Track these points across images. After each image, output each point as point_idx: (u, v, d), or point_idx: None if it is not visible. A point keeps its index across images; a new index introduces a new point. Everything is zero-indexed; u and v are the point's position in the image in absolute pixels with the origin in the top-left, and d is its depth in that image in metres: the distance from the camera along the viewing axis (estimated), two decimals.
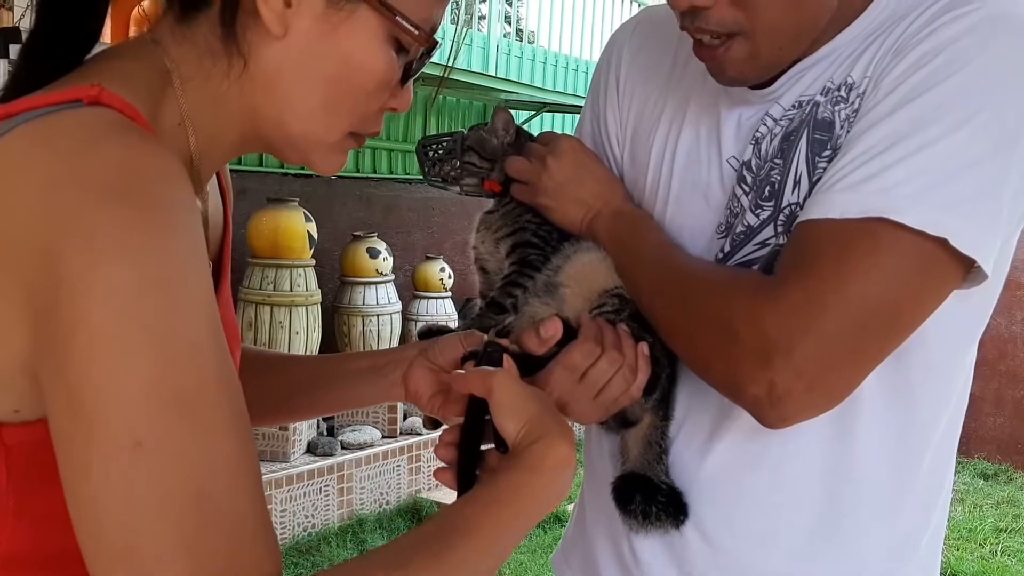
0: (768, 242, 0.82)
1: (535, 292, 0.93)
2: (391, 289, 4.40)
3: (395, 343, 4.37)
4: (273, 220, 3.87)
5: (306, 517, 3.79)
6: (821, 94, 0.81)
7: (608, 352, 0.83)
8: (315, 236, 4.01)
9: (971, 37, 0.74)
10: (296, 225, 3.91)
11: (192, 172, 0.67)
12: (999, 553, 4.18)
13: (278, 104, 0.67)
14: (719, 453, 0.86)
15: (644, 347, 0.85)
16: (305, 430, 3.90)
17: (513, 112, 6.03)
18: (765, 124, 0.84)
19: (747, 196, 0.84)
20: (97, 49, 0.68)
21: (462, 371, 0.79)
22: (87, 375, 0.50)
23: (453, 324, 4.02)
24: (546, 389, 0.82)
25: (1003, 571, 3.97)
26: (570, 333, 0.85)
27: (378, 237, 4.41)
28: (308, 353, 3.96)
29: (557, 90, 6.55)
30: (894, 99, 0.75)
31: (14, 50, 2.08)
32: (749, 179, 0.84)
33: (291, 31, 0.64)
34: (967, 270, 0.74)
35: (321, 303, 4.03)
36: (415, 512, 4.13)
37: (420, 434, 4.28)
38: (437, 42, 0.70)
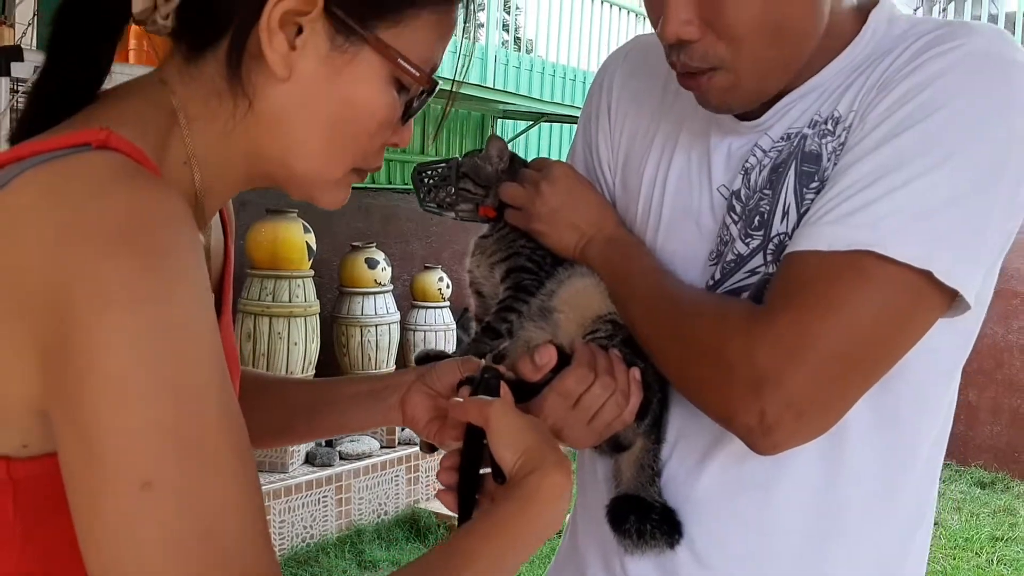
0: (758, 270, 0.84)
1: (530, 316, 0.94)
2: (389, 299, 4.42)
3: (393, 353, 4.39)
4: (272, 231, 3.89)
5: (304, 528, 3.79)
6: (809, 127, 0.83)
7: (601, 378, 0.85)
8: (314, 247, 4.03)
9: (954, 74, 0.76)
10: (295, 236, 3.93)
11: (197, 208, 0.68)
12: (995, 562, 4.20)
13: (282, 143, 0.69)
14: (710, 475, 0.87)
15: (636, 372, 0.86)
16: None
17: (511, 122, 6.08)
18: (754, 155, 0.86)
19: (736, 225, 0.85)
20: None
21: (459, 399, 0.81)
22: (97, 419, 0.52)
23: (451, 333, 4.03)
24: (541, 415, 0.84)
25: None
26: (564, 359, 0.86)
27: (376, 247, 4.43)
28: (307, 364, 3.98)
29: (555, 101, 6.57)
30: (879, 134, 0.76)
31: (16, 68, 2.10)
32: (739, 208, 0.86)
33: (295, 73, 0.66)
34: (950, 301, 0.75)
35: (320, 313, 4.05)
36: (413, 522, 4.14)
37: (418, 444, 4.29)
38: (437, 82, 0.71)
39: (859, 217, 0.74)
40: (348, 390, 0.95)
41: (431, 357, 0.93)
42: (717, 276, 0.87)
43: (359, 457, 4.07)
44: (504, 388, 0.79)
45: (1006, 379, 5.45)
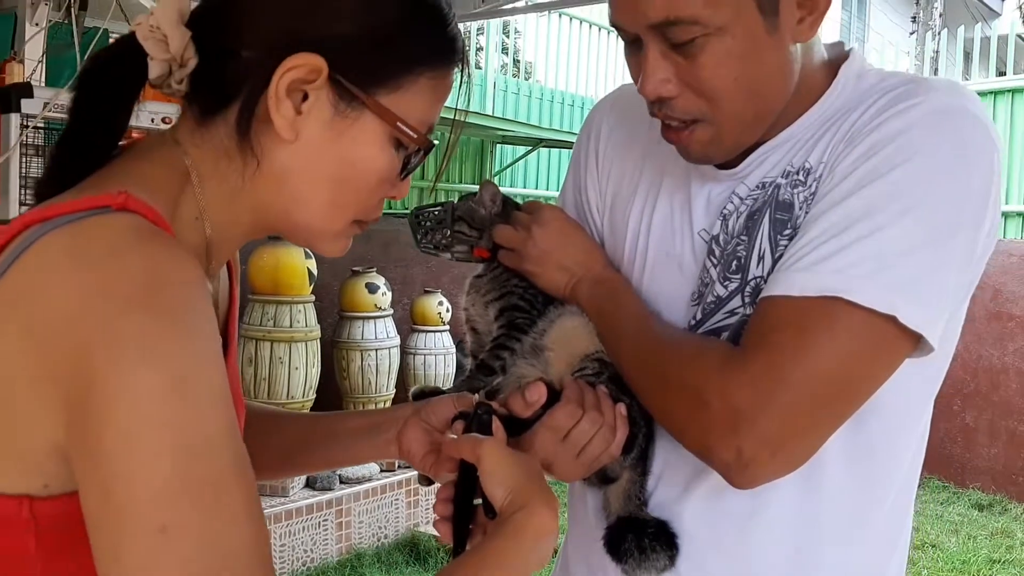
0: (736, 311, 0.89)
1: (522, 354, 0.99)
2: (389, 324, 4.45)
3: (393, 377, 4.42)
4: (273, 257, 3.94)
5: (305, 552, 3.81)
6: (782, 177, 0.88)
7: (589, 413, 0.89)
8: (314, 272, 4.07)
9: (915, 130, 0.81)
10: (296, 262, 3.97)
11: (206, 259, 0.73)
12: None
13: (288, 200, 0.73)
14: (694, 506, 0.91)
15: (622, 408, 0.91)
16: None
17: (509, 148, 6.15)
18: (732, 202, 0.91)
19: (716, 268, 0.90)
20: None
21: (454, 436, 0.85)
22: (116, 468, 0.56)
23: (451, 357, 4.06)
24: (532, 449, 0.88)
25: None
26: (553, 395, 0.91)
27: (377, 272, 4.47)
28: (308, 388, 4.02)
29: (553, 127, 6.64)
30: (847, 186, 0.82)
31: (26, 104, 2.16)
32: (717, 252, 0.91)
33: (301, 136, 0.71)
34: (915, 343, 0.80)
35: (320, 338, 4.09)
36: (413, 546, 4.15)
37: (416, 475, 4.31)
38: (434, 143, 0.76)
39: (828, 265, 0.79)
40: (347, 424, 1.00)
41: (427, 393, 0.98)
42: (698, 316, 0.91)
43: (359, 481, 4.09)
44: (497, 425, 0.84)
45: (1003, 401, 5.48)
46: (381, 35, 0.71)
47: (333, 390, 4.35)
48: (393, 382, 4.43)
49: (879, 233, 0.78)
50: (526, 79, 7.51)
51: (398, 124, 0.72)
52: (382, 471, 4.25)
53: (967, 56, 7.69)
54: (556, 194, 1.16)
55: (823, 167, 0.85)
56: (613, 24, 0.86)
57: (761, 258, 0.87)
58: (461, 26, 0.78)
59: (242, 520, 0.59)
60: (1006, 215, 6.61)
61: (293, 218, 0.75)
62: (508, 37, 8.16)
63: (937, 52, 8.27)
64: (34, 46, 2.59)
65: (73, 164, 0.71)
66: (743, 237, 0.89)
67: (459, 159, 6.15)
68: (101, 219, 0.63)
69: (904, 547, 0.98)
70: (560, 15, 7.30)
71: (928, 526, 4.90)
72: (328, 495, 3.92)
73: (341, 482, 4.04)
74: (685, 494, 0.92)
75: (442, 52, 0.75)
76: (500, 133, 5.89)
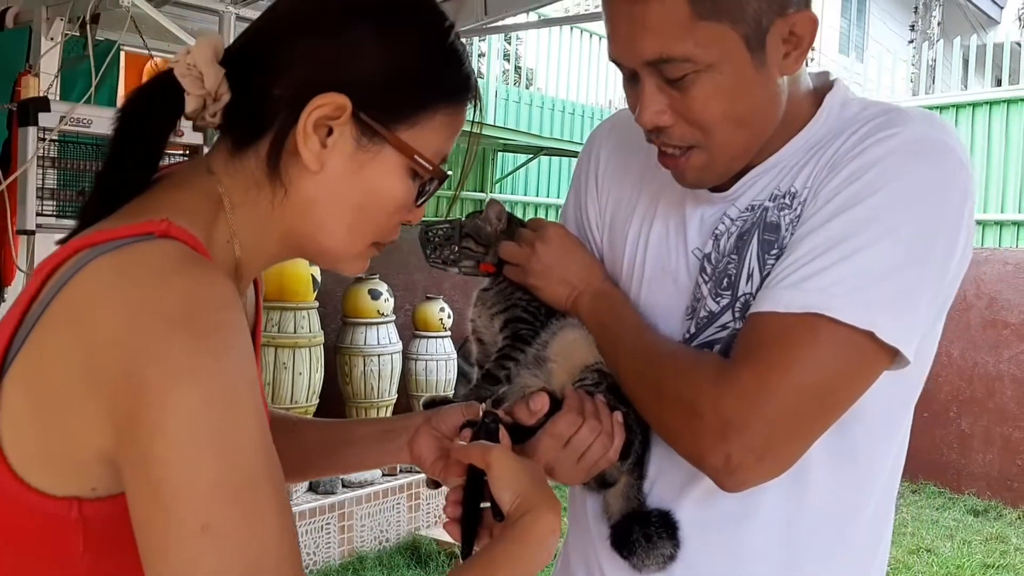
0: (727, 325, 0.95)
1: (526, 364, 1.04)
2: (392, 329, 4.51)
3: (396, 382, 4.47)
4: (279, 264, 3.98)
5: (308, 555, 3.86)
6: (770, 200, 0.94)
7: (589, 421, 0.95)
8: (318, 279, 4.13)
9: (893, 158, 0.87)
10: (300, 269, 4.03)
11: (236, 278, 0.79)
12: None
13: (313, 225, 0.79)
14: (687, 509, 0.97)
15: (619, 416, 0.97)
16: None
17: (511, 156, 6.18)
18: (723, 223, 0.97)
19: (708, 285, 0.96)
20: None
21: (463, 443, 0.91)
22: (164, 474, 0.62)
23: (452, 362, 4.10)
24: (535, 455, 0.94)
25: None
26: (555, 404, 0.97)
27: (379, 278, 4.53)
28: (311, 393, 4.07)
29: (553, 136, 6.70)
30: (829, 209, 0.88)
31: (43, 118, 2.22)
32: (709, 270, 0.97)
33: (326, 167, 0.77)
34: (893, 357, 0.86)
35: (323, 344, 4.14)
36: (414, 549, 4.20)
37: (424, 479, 4.36)
38: (447, 175, 0.83)
39: (811, 283, 0.85)
40: (362, 431, 1.06)
41: (437, 402, 1.04)
42: (692, 330, 0.97)
43: (361, 485, 4.15)
44: (503, 432, 0.90)
45: (998, 408, 5.54)
46: (401, 76, 0.77)
47: (336, 395, 4.40)
48: (395, 387, 4.48)
49: (859, 254, 0.84)
50: (527, 87, 7.57)
51: (415, 157, 0.79)
52: (384, 475, 4.30)
53: (967, 64, 7.76)
54: (556, 201, 1.23)
55: (808, 191, 0.92)
56: (612, 60, 0.92)
57: (750, 276, 0.93)
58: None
59: (275, 519, 0.64)
60: (1001, 224, 6.67)
61: (317, 242, 0.81)
62: (510, 44, 8.23)
63: (935, 61, 8.34)
64: (49, 60, 2.65)
65: (115, 190, 0.77)
66: (733, 256, 0.95)
67: (460, 167, 6.22)
68: (146, 245, 0.69)
69: (885, 548, 1.04)
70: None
71: (923, 531, 4.95)
72: (330, 499, 3.98)
73: (343, 486, 4.09)
74: (679, 498, 0.98)
75: (456, 91, 0.81)
76: (501, 141, 5.95)
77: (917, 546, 4.73)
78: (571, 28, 7.36)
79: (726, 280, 0.95)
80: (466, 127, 0.86)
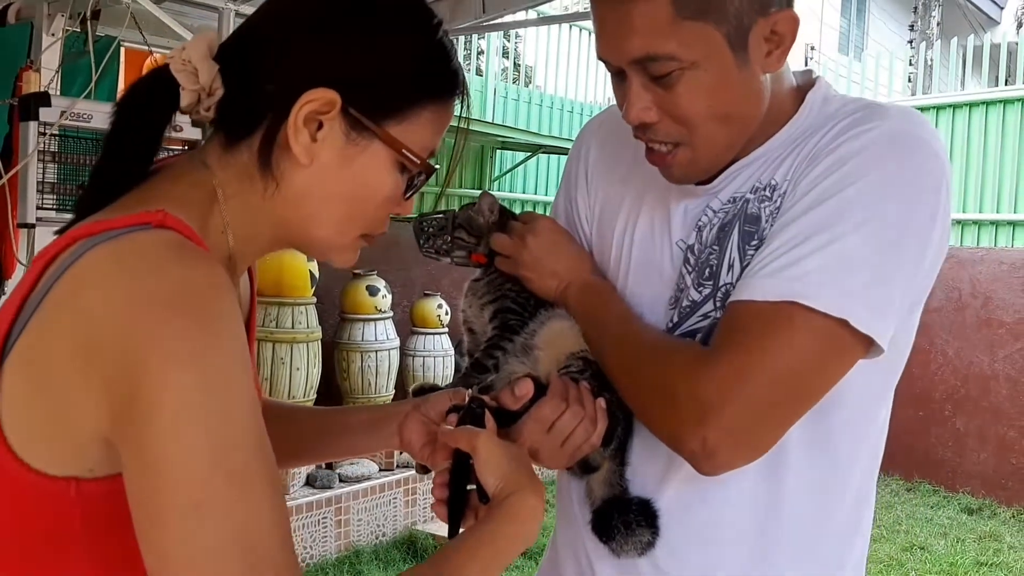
0: (709, 315, 0.97)
1: (514, 353, 1.07)
2: (389, 325, 4.53)
3: (393, 378, 4.50)
4: (277, 259, 4.01)
5: (304, 549, 3.89)
6: (751, 192, 0.97)
7: (572, 407, 0.98)
8: (316, 275, 4.15)
9: (870, 151, 0.90)
10: (298, 264, 4.05)
11: (230, 267, 0.82)
12: None
13: (304, 217, 0.82)
14: (668, 494, 1.00)
15: (602, 402, 0.99)
16: None
17: (509, 153, 6.21)
18: (706, 214, 1.00)
19: (690, 275, 0.99)
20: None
21: (450, 427, 0.94)
22: (160, 454, 0.64)
23: (449, 359, 4.14)
24: (520, 439, 0.97)
25: None
26: (541, 390, 1.00)
27: (377, 275, 4.55)
28: (309, 388, 4.10)
29: (552, 134, 6.73)
30: (807, 201, 0.90)
31: (44, 113, 2.24)
32: (692, 261, 0.99)
33: (316, 160, 0.79)
34: (868, 345, 0.89)
35: (321, 339, 4.17)
36: (411, 544, 4.23)
37: (414, 466, 4.38)
38: (435, 168, 0.85)
39: (788, 272, 0.88)
40: (352, 419, 1.09)
41: (426, 389, 1.07)
42: (675, 319, 1.00)
43: (358, 480, 4.17)
44: (488, 417, 0.92)
45: (992, 407, 5.57)
46: (389, 73, 0.80)
47: (333, 390, 4.42)
48: (392, 383, 4.50)
49: (834, 244, 0.87)
50: (526, 85, 7.59)
51: (403, 151, 0.81)
52: (381, 470, 4.32)
53: (966, 64, 7.78)
54: (554, 199, 1.26)
55: (787, 183, 0.94)
56: (600, 58, 0.95)
57: (731, 266, 0.96)
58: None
59: (268, 499, 0.67)
60: (997, 224, 6.69)
61: (308, 233, 0.83)
62: (509, 41, 8.25)
63: (933, 60, 8.36)
64: (50, 56, 2.67)
65: (112, 182, 0.79)
66: (715, 247, 0.98)
67: (459, 164, 6.24)
68: (143, 234, 0.71)
69: (865, 534, 1.06)
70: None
71: (917, 529, 4.98)
72: (327, 493, 4.00)
73: (340, 480, 4.12)
74: (660, 484, 1.01)
75: (444, 87, 0.84)
76: (500, 139, 5.97)
77: (911, 543, 4.75)
78: (570, 26, 7.38)
79: (708, 270, 0.98)
80: (457, 122, 0.88)
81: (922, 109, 6.92)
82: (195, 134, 2.36)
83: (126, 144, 0.80)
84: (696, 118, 0.91)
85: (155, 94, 0.80)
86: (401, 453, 4.43)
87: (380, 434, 1.05)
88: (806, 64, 10.40)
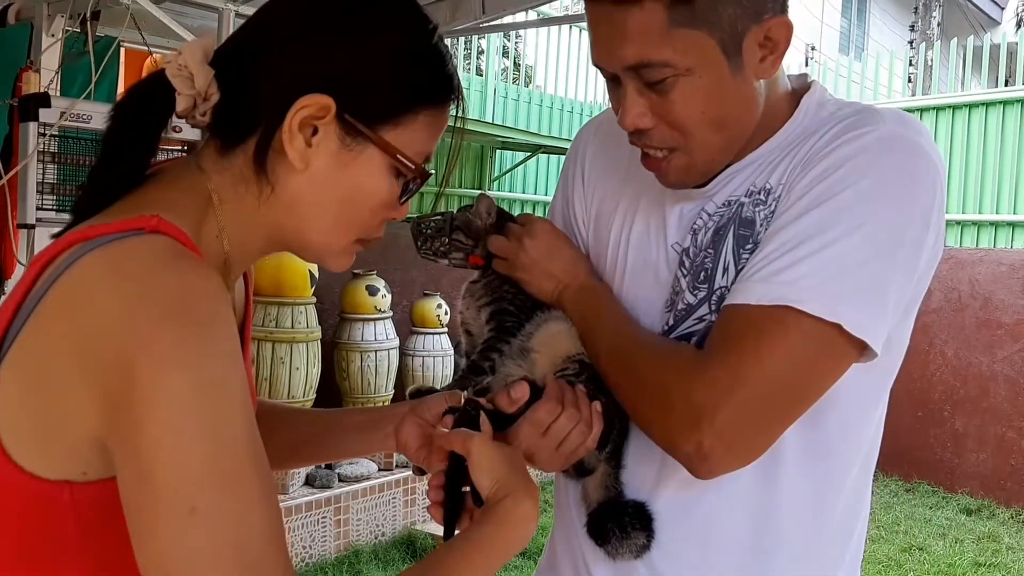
0: (704, 318, 0.98)
1: (511, 355, 1.07)
2: (389, 325, 4.53)
3: (392, 378, 4.50)
4: (276, 259, 4.01)
5: (304, 548, 3.90)
6: (746, 196, 0.97)
7: (568, 410, 0.98)
8: (316, 275, 4.16)
9: (864, 155, 0.90)
10: (298, 264, 4.05)
11: (225, 271, 0.82)
12: None
13: (298, 221, 0.82)
14: (664, 497, 1.00)
15: (598, 405, 1.00)
16: None
17: (509, 153, 6.21)
18: (701, 218, 1.00)
19: (685, 278, 1.00)
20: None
21: (445, 430, 0.94)
22: (154, 459, 0.64)
23: (449, 358, 4.14)
24: (516, 442, 0.97)
25: None
26: (536, 393, 1.00)
27: (377, 275, 4.55)
28: (308, 388, 4.10)
29: (551, 135, 6.73)
30: (801, 205, 0.91)
31: (44, 113, 2.24)
32: (687, 264, 1.00)
33: (311, 165, 0.79)
34: (861, 350, 0.89)
35: (321, 339, 4.17)
36: (410, 543, 4.24)
37: (411, 468, 4.39)
38: (430, 173, 0.85)
39: (782, 276, 0.88)
40: (350, 420, 1.09)
41: (422, 392, 1.07)
42: (671, 322, 1.01)
43: (357, 479, 4.18)
44: (484, 420, 0.93)
45: (991, 408, 5.57)
46: (384, 78, 0.80)
47: (333, 390, 4.42)
48: (392, 383, 4.51)
49: (828, 249, 0.87)
50: (526, 85, 7.60)
51: (398, 156, 0.81)
52: (380, 470, 4.33)
53: (972, 63, 7.79)
54: (551, 200, 1.26)
55: (782, 187, 0.95)
56: (595, 64, 0.95)
57: (726, 269, 0.96)
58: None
59: (260, 505, 0.67)
60: (996, 225, 6.70)
61: (303, 237, 0.84)
62: (509, 41, 8.26)
63: (933, 60, 8.37)
64: (50, 56, 2.68)
65: (108, 185, 0.80)
66: (710, 250, 0.98)
67: (459, 164, 6.25)
68: (137, 240, 0.71)
69: (860, 536, 1.06)
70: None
71: (916, 530, 4.99)
72: (327, 493, 4.01)
73: (340, 480, 4.12)
74: (655, 487, 1.01)
75: (439, 91, 0.84)
76: (500, 139, 5.98)
77: (909, 544, 4.76)
78: (570, 27, 7.38)
79: (703, 274, 0.98)
80: (453, 122, 0.88)
81: (922, 109, 6.93)
82: (194, 135, 2.36)
83: (122, 148, 0.80)
84: (691, 124, 0.92)
85: (151, 99, 0.80)
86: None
87: (376, 436, 1.06)
88: (807, 64, 10.41)
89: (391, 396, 4.52)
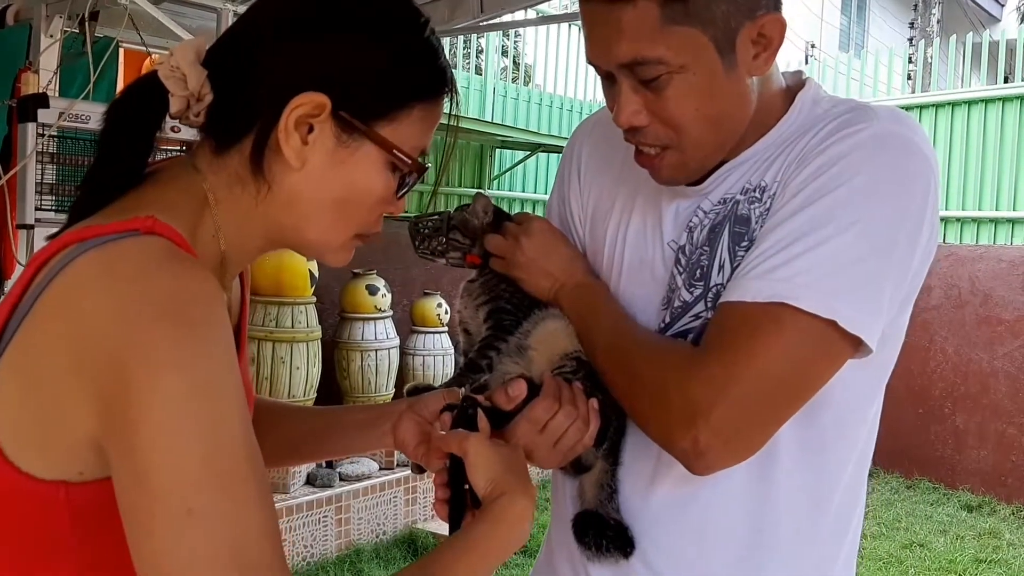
0: (700, 315, 0.98)
1: (508, 353, 1.08)
2: (389, 325, 4.54)
3: (393, 377, 4.50)
4: (276, 259, 4.01)
5: (305, 547, 3.90)
6: (741, 193, 0.98)
7: (565, 407, 0.98)
8: (316, 274, 4.16)
9: (859, 153, 0.90)
10: (298, 264, 4.05)
11: (221, 271, 0.83)
12: None
13: (296, 219, 0.82)
14: (660, 493, 1.01)
15: (594, 403, 1.00)
16: None
17: (508, 152, 6.22)
18: (697, 215, 1.00)
19: (681, 276, 1.00)
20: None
21: (443, 432, 0.94)
22: (150, 459, 0.65)
23: (449, 357, 4.15)
24: (513, 439, 0.98)
25: None
26: (534, 390, 1.00)
27: (377, 274, 4.56)
28: (309, 387, 4.11)
29: (551, 133, 6.73)
30: (796, 202, 0.91)
31: (42, 114, 2.25)
32: (683, 262, 1.00)
33: (307, 163, 0.80)
34: (856, 346, 0.89)
35: (321, 338, 4.17)
36: (411, 542, 4.24)
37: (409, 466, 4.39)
38: (426, 167, 0.86)
39: (777, 273, 0.88)
40: (348, 418, 1.10)
41: (420, 389, 1.08)
42: (667, 320, 1.01)
43: (359, 478, 4.18)
44: (482, 419, 0.93)
45: (992, 404, 5.57)
46: (377, 74, 0.80)
47: (333, 389, 4.43)
48: (392, 382, 4.51)
49: (823, 246, 0.88)
50: (526, 84, 7.60)
51: (394, 151, 0.82)
52: (381, 469, 4.33)
53: (972, 60, 7.78)
54: (548, 199, 1.27)
55: (777, 185, 0.95)
56: (589, 62, 0.95)
57: (721, 267, 0.97)
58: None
59: (256, 505, 0.67)
60: (996, 221, 6.70)
61: (301, 235, 0.84)
62: (509, 40, 8.26)
63: (933, 57, 8.37)
64: (49, 57, 2.68)
65: (104, 186, 0.80)
66: (706, 248, 0.98)
67: (459, 163, 6.25)
68: (132, 241, 0.72)
69: (856, 530, 1.07)
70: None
71: (917, 526, 4.99)
72: (328, 492, 4.01)
73: (341, 479, 4.12)
74: (652, 483, 1.01)
75: (432, 86, 0.84)
76: (499, 138, 5.98)
77: (910, 541, 4.76)
78: (569, 25, 7.38)
79: (699, 271, 0.98)
80: (449, 120, 0.88)
81: (922, 107, 6.93)
82: (193, 135, 2.36)
83: (118, 149, 0.81)
84: (685, 121, 0.92)
85: (146, 100, 0.80)
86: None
87: (374, 433, 1.06)
88: (807, 62, 10.41)
89: (391, 395, 4.52)
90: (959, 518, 5.18)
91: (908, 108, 6.48)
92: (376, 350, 4.43)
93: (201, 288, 0.70)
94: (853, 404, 1.00)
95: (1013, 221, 6.64)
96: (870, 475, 1.08)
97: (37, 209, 2.44)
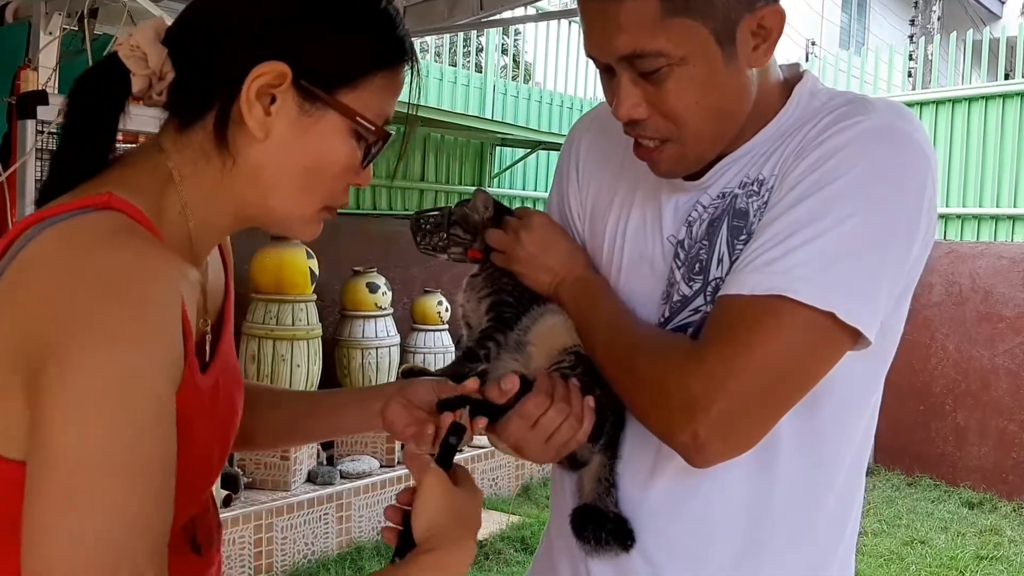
0: (700, 309, 0.98)
1: (507, 348, 1.08)
2: (390, 322, 4.54)
3: (393, 375, 4.50)
4: (276, 257, 4.03)
5: (306, 545, 3.90)
6: (739, 187, 0.98)
7: (557, 404, 0.98)
8: (316, 272, 4.16)
9: (856, 145, 0.90)
10: (298, 262, 4.06)
11: (190, 249, 0.83)
12: None
13: (262, 191, 0.82)
14: (659, 487, 1.01)
15: (590, 400, 1.00)
16: (305, 460, 4.03)
17: (509, 150, 6.22)
18: (696, 210, 1.00)
19: (680, 270, 1.00)
20: None
21: (415, 450, 0.94)
22: (52, 433, 0.63)
23: (450, 355, 4.17)
24: (505, 433, 0.98)
25: None
26: (528, 386, 1.00)
27: (377, 272, 4.56)
28: (309, 385, 4.11)
29: (551, 131, 6.73)
30: (794, 195, 0.91)
31: (42, 111, 2.25)
32: (682, 256, 1.00)
33: (271, 134, 0.80)
34: (855, 338, 0.89)
35: (322, 336, 4.18)
36: None
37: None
38: (390, 134, 0.85)
39: (775, 266, 0.88)
40: (338, 399, 1.12)
41: (414, 372, 1.08)
42: (667, 314, 1.01)
43: (359, 476, 4.18)
44: (479, 422, 0.94)
45: (993, 401, 5.57)
46: (337, 42, 0.81)
47: (334, 387, 4.43)
48: (393, 379, 4.51)
49: (821, 238, 0.88)
50: (526, 82, 7.60)
51: (357, 119, 0.82)
52: (382, 467, 4.33)
53: (972, 57, 7.76)
54: (548, 195, 1.27)
55: (775, 178, 0.95)
56: (588, 55, 0.95)
57: (720, 261, 0.96)
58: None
59: (146, 504, 0.64)
60: (997, 218, 6.69)
61: (268, 207, 0.84)
62: (508, 38, 8.25)
63: (933, 55, 8.35)
64: (48, 54, 2.68)
65: (69, 172, 0.79)
66: (705, 242, 0.98)
67: (460, 160, 6.25)
68: (86, 216, 0.71)
69: (855, 523, 1.07)
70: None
71: (918, 523, 4.99)
72: (328, 490, 4.01)
73: (341, 477, 4.13)
74: (651, 477, 1.01)
75: (393, 53, 0.84)
76: (499, 136, 5.98)
77: (911, 538, 4.76)
78: (569, 22, 7.38)
79: (698, 265, 0.98)
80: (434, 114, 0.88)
81: (922, 103, 6.92)
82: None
83: (81, 133, 0.80)
84: (685, 113, 0.92)
85: (106, 82, 0.80)
86: (402, 447, 4.44)
87: (363, 414, 1.07)
88: (807, 59, 10.40)
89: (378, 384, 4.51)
90: (960, 515, 5.18)
91: (909, 105, 6.47)
92: (376, 348, 4.44)
93: (152, 265, 0.69)
94: (852, 395, 1.00)
95: (1014, 218, 6.63)
96: (871, 472, 1.08)
97: (36, 205, 2.43)
